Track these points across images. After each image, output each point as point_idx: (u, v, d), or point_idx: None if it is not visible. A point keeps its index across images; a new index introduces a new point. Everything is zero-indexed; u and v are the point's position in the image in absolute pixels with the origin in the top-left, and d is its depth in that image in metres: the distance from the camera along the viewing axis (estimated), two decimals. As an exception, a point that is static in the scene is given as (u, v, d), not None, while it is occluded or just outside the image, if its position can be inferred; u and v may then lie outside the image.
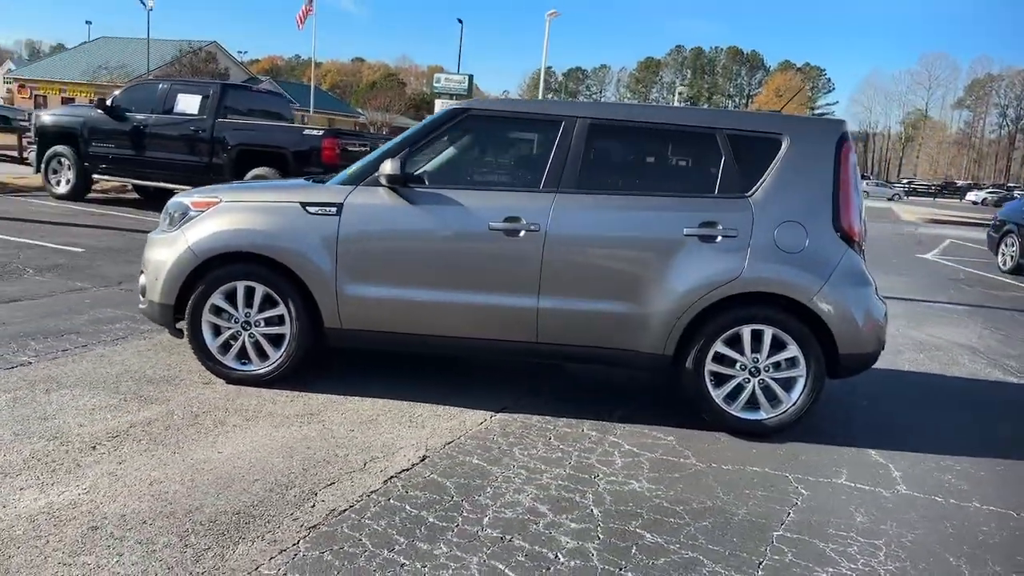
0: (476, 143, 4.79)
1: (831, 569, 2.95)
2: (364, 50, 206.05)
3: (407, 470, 3.54)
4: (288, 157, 11.29)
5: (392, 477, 3.45)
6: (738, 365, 4.29)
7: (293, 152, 11.28)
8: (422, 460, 3.67)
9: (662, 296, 4.23)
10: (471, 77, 49.92)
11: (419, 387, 4.69)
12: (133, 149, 12.16)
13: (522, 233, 4.28)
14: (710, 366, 4.29)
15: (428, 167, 4.54)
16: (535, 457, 3.80)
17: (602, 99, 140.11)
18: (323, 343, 4.54)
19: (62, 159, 12.67)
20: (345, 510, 3.11)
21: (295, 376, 4.55)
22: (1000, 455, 4.32)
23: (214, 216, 4.49)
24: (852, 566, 2.99)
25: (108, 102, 12.48)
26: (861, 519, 3.39)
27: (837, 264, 4.24)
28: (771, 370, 4.28)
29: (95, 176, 12.71)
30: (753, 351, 4.27)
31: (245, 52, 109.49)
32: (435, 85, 48.08)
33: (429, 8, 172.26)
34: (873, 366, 4.49)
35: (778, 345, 4.26)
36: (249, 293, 4.47)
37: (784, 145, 4.35)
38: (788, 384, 4.29)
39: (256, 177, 11.32)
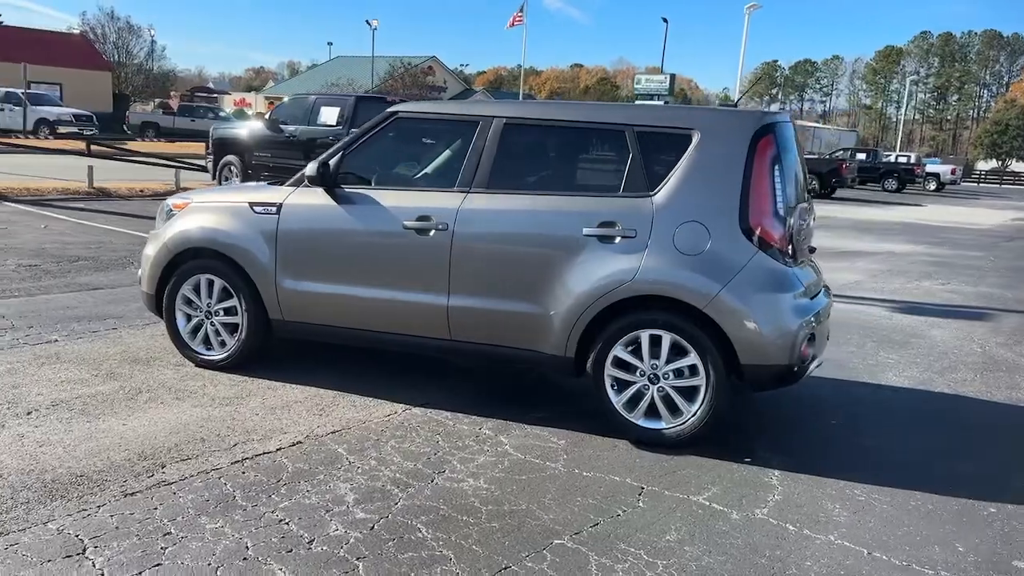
0: (404, 145, 4.95)
1: (578, 583, 2.83)
2: (583, 56, 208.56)
3: (267, 453, 3.80)
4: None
5: (246, 459, 3.73)
6: (638, 371, 4.11)
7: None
8: (293, 445, 3.91)
9: (562, 297, 4.16)
10: (672, 76, 48.97)
11: (362, 378, 4.93)
12: (286, 158, 13.45)
13: (432, 232, 4.40)
14: (611, 371, 4.15)
15: (361, 169, 4.78)
16: (401, 451, 3.91)
17: (833, 93, 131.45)
18: (271, 334, 4.92)
19: (232, 167, 14.30)
20: (172, 483, 3.43)
21: (259, 363, 4.99)
22: (923, 487, 3.78)
23: (185, 216, 5.03)
24: (605, 583, 2.84)
25: (268, 116, 13.92)
26: (671, 537, 3.18)
27: (742, 267, 3.94)
28: (671, 378, 4.06)
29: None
30: (652, 357, 4.07)
31: (467, 64, 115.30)
32: (636, 87, 47.70)
33: (649, 9, 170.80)
34: (802, 381, 4.11)
35: (680, 352, 4.03)
36: (210, 285, 4.96)
37: (693, 141, 4.11)
38: (690, 394, 4.05)
39: None
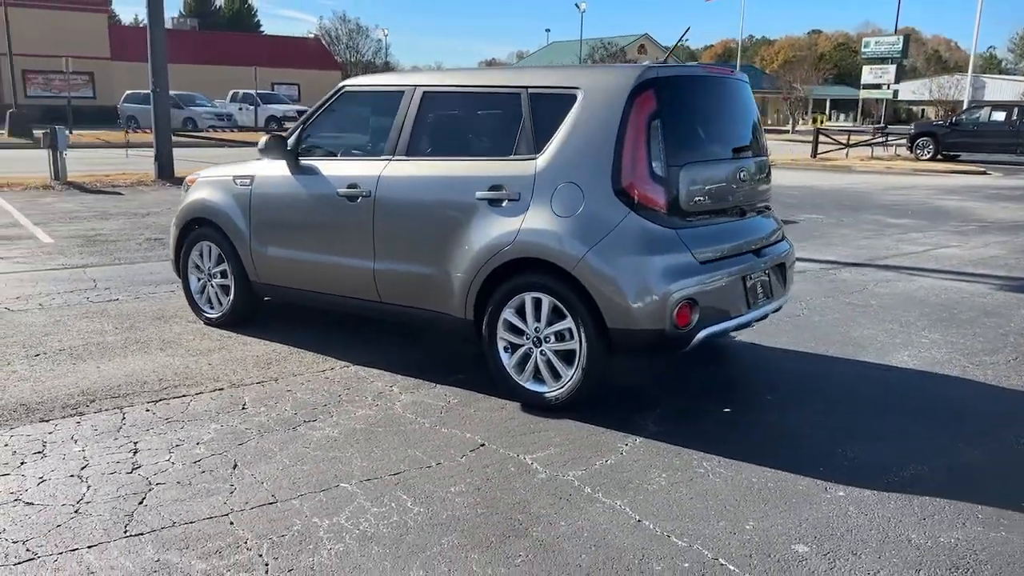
0: (350, 116, 5.19)
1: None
2: (824, 20, 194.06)
3: (182, 397, 4.28)
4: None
5: (160, 400, 4.23)
6: (524, 335, 4.12)
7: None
8: (212, 391, 4.37)
9: (459, 260, 4.27)
10: (907, 37, 44.92)
11: (331, 339, 5.33)
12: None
13: (359, 199, 4.67)
14: (502, 334, 4.20)
15: (317, 140, 5.13)
16: (297, 401, 4.23)
17: None
18: (253, 294, 5.46)
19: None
20: (84, 415, 4.01)
21: (258, 322, 5.59)
22: (787, 466, 3.45)
23: (193, 190, 5.69)
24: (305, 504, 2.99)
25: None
26: (455, 488, 3.23)
27: (612, 229, 3.82)
28: (551, 341, 4.04)
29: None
30: (536, 320, 4.07)
31: (687, 40, 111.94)
32: (864, 50, 44.18)
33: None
34: (691, 349, 3.90)
35: (559, 315, 4.00)
36: (209, 251, 5.59)
37: (576, 101, 4.01)
38: (568, 357, 4.00)
39: None
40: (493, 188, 4.15)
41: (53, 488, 3.20)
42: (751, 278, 4.23)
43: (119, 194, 13.26)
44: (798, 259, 8.32)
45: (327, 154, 5.04)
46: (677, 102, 3.99)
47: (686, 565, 2.70)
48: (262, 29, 70.72)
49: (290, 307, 5.67)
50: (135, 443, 3.66)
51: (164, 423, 3.91)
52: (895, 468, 3.48)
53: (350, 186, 4.69)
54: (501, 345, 4.20)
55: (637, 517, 3.02)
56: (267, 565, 2.68)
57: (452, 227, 4.29)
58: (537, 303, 4.04)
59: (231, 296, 5.49)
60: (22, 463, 3.44)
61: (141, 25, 59.83)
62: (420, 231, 4.45)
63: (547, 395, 4.06)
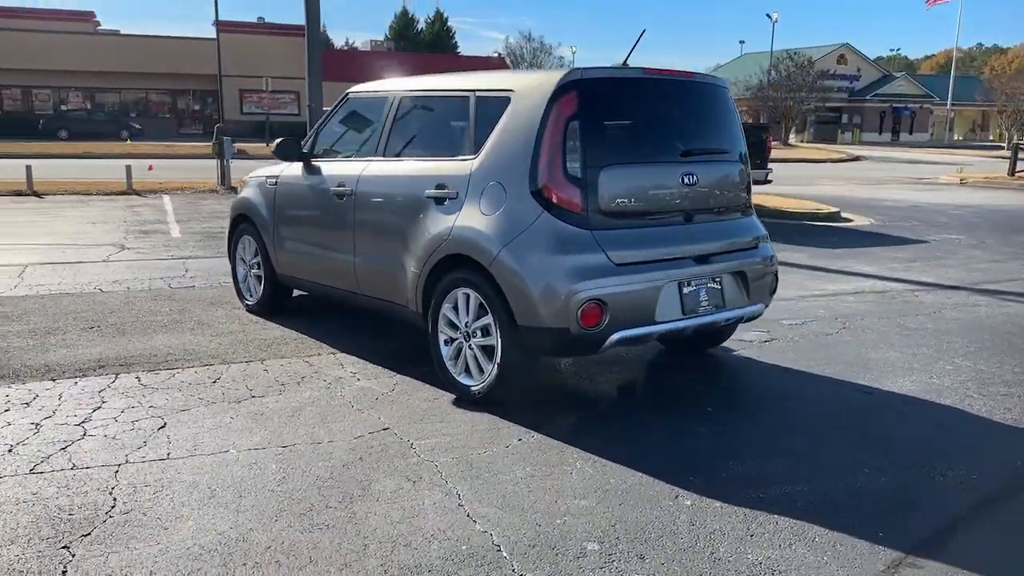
0: (352, 120, 5.52)
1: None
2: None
3: (177, 370, 4.81)
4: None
5: (158, 370, 4.80)
6: (458, 329, 4.28)
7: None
8: (203, 366, 4.88)
9: (412, 255, 4.50)
10: None
11: (343, 331, 5.73)
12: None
13: (344, 198, 5.04)
14: (442, 327, 4.38)
15: (328, 143, 5.54)
16: (262, 381, 4.62)
17: None
18: (279, 284, 5.97)
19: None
20: (95, 377, 4.64)
21: (290, 312, 6.10)
22: (656, 471, 3.35)
23: (243, 189, 6.33)
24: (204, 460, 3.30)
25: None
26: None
27: (526, 228, 3.90)
28: (478, 336, 4.16)
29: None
30: (466, 315, 4.22)
31: (898, 49, 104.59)
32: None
33: None
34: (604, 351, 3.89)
35: (484, 311, 4.12)
36: (248, 244, 6.19)
37: (509, 103, 4.13)
38: (490, 353, 4.11)
39: None
40: (438, 187, 4.34)
41: (10, 431, 3.78)
42: (689, 284, 4.12)
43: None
44: (888, 279, 7.82)
45: (332, 155, 5.44)
46: (601, 104, 3.98)
47: (464, 548, 2.76)
48: (459, 50, 74.08)
49: (322, 299, 6.12)
50: (103, 402, 4.20)
51: (140, 388, 4.43)
52: (768, 486, 3.30)
53: (339, 185, 5.06)
54: (442, 338, 4.37)
55: (463, 502, 3.10)
56: (114, 503, 3.05)
57: (407, 224, 4.52)
58: (467, 298, 4.18)
59: (263, 285, 6.04)
60: (6, 411, 4.06)
61: (348, 48, 64.67)
62: (385, 227, 4.72)
63: (472, 388, 4.19)
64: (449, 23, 75.17)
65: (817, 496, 3.22)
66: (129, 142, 31.73)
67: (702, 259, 4.22)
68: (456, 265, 4.21)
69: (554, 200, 3.87)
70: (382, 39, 65.08)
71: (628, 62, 4.36)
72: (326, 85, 44.17)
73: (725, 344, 5.41)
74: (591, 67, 4.05)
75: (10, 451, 3.55)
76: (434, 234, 4.30)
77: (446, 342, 4.36)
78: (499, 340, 4.00)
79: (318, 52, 15.72)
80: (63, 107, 40.25)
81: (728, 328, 4.98)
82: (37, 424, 3.87)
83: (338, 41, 69.73)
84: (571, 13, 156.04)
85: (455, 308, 4.27)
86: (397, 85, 5.07)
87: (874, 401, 4.44)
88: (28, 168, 14.38)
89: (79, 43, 39.63)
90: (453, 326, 4.30)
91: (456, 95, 4.56)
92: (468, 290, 4.15)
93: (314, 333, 5.64)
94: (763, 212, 13.44)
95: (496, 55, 61.51)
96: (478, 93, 4.35)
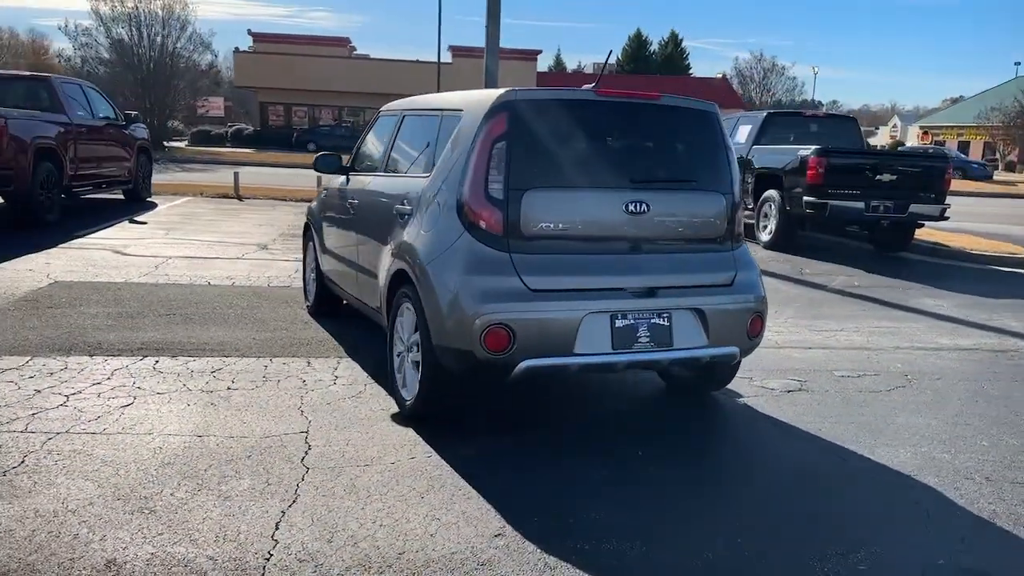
0: (377, 137, 5.71)
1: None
2: None
3: (189, 356, 5.34)
4: (781, 178, 11.54)
5: (170, 357, 5.35)
6: (403, 342, 4.37)
7: (784, 171, 11.48)
8: (214, 358, 5.37)
9: (381, 267, 4.67)
10: None
11: (369, 339, 6.02)
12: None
13: (353, 210, 5.33)
14: (396, 339, 4.48)
15: (359, 156, 5.82)
16: (256, 373, 5.00)
17: None
18: (326, 288, 6.37)
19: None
20: (113, 357, 5.28)
21: (340, 316, 6.48)
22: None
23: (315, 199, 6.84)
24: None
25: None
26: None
27: (449, 246, 3.93)
28: (414, 350, 4.22)
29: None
30: (407, 328, 4.29)
31: (613, 65, 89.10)
32: None
33: None
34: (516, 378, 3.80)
35: (416, 326, 4.18)
36: (309, 250, 6.67)
37: (459, 122, 4.16)
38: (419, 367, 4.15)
39: (766, 200, 11.95)
40: (402, 203, 4.46)
41: (11, 392, 4.40)
42: (625, 318, 3.89)
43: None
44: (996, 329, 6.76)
45: (359, 169, 5.74)
46: (533, 127, 3.88)
47: (237, 555, 2.84)
48: (691, 71, 73.05)
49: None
50: (107, 379, 4.76)
51: (148, 371, 4.96)
52: (608, 540, 3.03)
53: (352, 198, 5.34)
54: (396, 350, 4.47)
55: (286, 513, 3.18)
56: (20, 462, 3.48)
57: (384, 236, 4.68)
58: (408, 312, 4.25)
59: (314, 290, 6.48)
60: (31, 377, 4.73)
61: (558, 71, 66.00)
62: (371, 239, 4.92)
63: (406, 403, 4.25)
64: (684, 44, 74.31)
65: (654, 561, 2.93)
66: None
67: (646, 292, 3.96)
68: (403, 280, 4.30)
69: (474, 221, 3.85)
70: (615, 61, 65.76)
71: (600, 84, 4.20)
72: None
73: (739, 390, 5.00)
74: (531, 89, 3.97)
75: (-5, 410, 4.15)
76: (391, 248, 4.43)
77: (398, 354, 4.45)
78: (421, 356, 4.03)
79: (494, 75, 16.31)
80: (318, 123, 44.95)
81: (722, 368, 4.60)
82: (39, 391, 4.47)
83: (571, 64, 71.57)
84: (821, 34, 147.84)
85: (404, 321, 4.35)
86: (406, 103, 5.26)
87: (845, 472, 3.90)
88: (235, 175, 16.31)
89: (332, 66, 44.03)
90: (401, 339, 4.38)
91: (431, 113, 4.66)
92: (408, 304, 4.22)
93: (344, 338, 5.93)
94: (943, 253, 12.04)
95: (719, 76, 59.86)
96: (444, 112, 4.42)
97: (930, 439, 4.32)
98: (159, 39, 30.58)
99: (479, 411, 4.60)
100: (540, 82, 46.30)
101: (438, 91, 16.59)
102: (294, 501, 3.26)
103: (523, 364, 3.75)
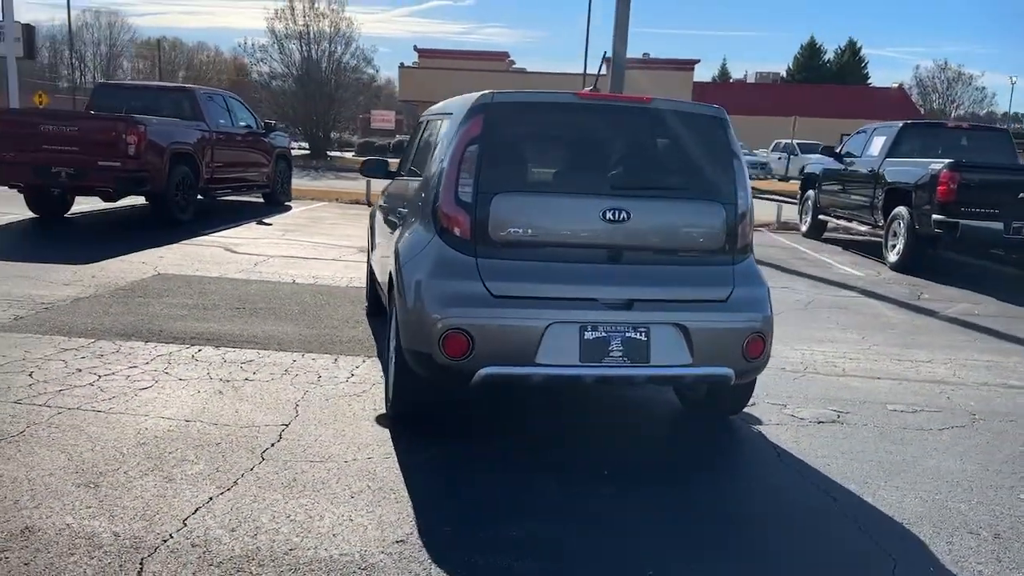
0: (412, 141, 5.73)
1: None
2: None
3: (227, 347, 5.64)
4: (911, 194, 10.68)
5: (213, 347, 5.67)
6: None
7: (914, 187, 10.61)
8: (251, 349, 5.65)
9: (385, 270, 4.74)
10: None
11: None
12: (841, 193, 13.20)
13: (381, 214, 5.47)
14: (391, 339, 4.53)
15: (401, 162, 5.93)
16: (277, 365, 5.22)
17: None
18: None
19: (808, 202, 14.56)
20: (163, 344, 5.68)
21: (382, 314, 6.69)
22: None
23: (376, 204, 7.06)
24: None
25: (838, 149, 13.75)
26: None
27: (421, 249, 3.95)
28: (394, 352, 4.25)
29: (824, 218, 14.07)
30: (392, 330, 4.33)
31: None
32: None
33: None
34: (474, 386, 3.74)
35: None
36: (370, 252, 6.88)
37: (446, 125, 4.16)
38: (397, 370, 4.17)
39: (894, 218, 11.13)
40: (403, 205, 4.52)
41: (56, 368, 4.83)
42: (595, 330, 3.72)
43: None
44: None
45: (398, 173, 5.84)
46: (507, 130, 3.80)
47: (93, 540, 2.97)
48: (870, 80, 68.92)
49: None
50: (145, 364, 5.12)
51: (186, 358, 5.29)
52: (524, 560, 2.91)
53: (382, 202, 5.47)
54: (389, 351, 4.52)
55: (205, 505, 3.29)
56: (21, 431, 3.81)
57: (390, 239, 4.75)
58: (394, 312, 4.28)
59: (367, 289, 6.68)
60: (83, 357, 5.18)
61: (722, 81, 64.04)
62: (386, 241, 4.99)
63: (388, 403, 4.28)
64: (862, 52, 70.31)
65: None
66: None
67: (622, 305, 3.77)
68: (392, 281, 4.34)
69: (445, 224, 3.82)
70: (783, 72, 63.30)
71: (597, 87, 4.07)
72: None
73: (762, 416, 4.67)
74: (511, 91, 3.89)
75: (31, 379, 4.57)
76: (390, 250, 4.48)
77: (389, 355, 4.48)
78: (393, 358, 4.05)
79: (620, 84, 16.11)
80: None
81: (726, 390, 4.30)
82: (79, 370, 4.88)
83: (737, 73, 69.45)
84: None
85: (392, 323, 4.39)
86: (432, 108, 5.30)
87: (824, 509, 3.52)
88: (368, 182, 17.03)
89: (489, 79, 45.09)
90: (390, 341, 4.42)
91: (437, 117, 4.68)
92: (395, 305, 4.25)
93: (381, 338, 6.06)
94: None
95: (895, 86, 55.88)
96: (443, 115, 4.42)
97: (954, 486, 3.83)
98: (325, 55, 32.58)
99: (467, 415, 4.56)
100: (696, 92, 45.26)
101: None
102: (228, 489, 3.36)
103: (482, 371, 3.67)
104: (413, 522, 3.15)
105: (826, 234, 14.44)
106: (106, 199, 11.71)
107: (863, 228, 12.41)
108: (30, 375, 4.70)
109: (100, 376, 4.77)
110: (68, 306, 6.47)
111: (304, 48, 32.33)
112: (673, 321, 3.79)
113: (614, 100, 3.97)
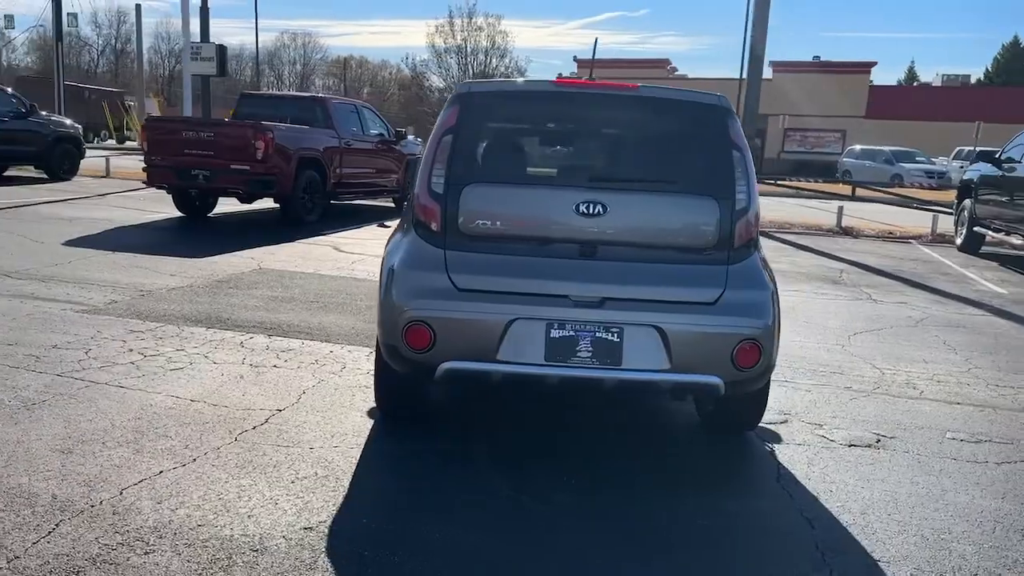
0: None
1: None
2: None
3: (272, 335, 5.89)
4: None
5: (265, 334, 5.93)
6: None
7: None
8: (293, 338, 5.86)
9: None
10: None
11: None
12: (1000, 202, 11.93)
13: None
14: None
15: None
16: (305, 356, 5.39)
17: None
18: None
19: (964, 211, 13.23)
20: (215, 330, 6.01)
21: None
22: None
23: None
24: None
25: (997, 154, 12.41)
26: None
27: (401, 241, 3.96)
28: (386, 345, 4.25)
29: (980, 230, 12.71)
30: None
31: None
32: None
33: None
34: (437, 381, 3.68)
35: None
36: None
37: None
38: (385, 363, 4.17)
39: None
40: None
41: (116, 347, 5.23)
42: (562, 328, 3.54)
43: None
44: None
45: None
46: (482, 120, 3.70)
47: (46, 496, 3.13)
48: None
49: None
50: (194, 348, 5.43)
51: (233, 344, 5.56)
52: (432, 563, 2.81)
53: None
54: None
55: (155, 477, 3.42)
56: (43, 400, 4.16)
57: None
58: (390, 307, 4.28)
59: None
60: (141, 339, 5.59)
61: (903, 85, 59.24)
62: None
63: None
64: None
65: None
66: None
67: (594, 303, 3.56)
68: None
69: (419, 215, 3.78)
70: (980, 75, 58.12)
71: (593, 75, 3.89)
72: (872, 123, 42.52)
73: (786, 434, 4.28)
74: (489, 81, 3.79)
75: (84, 355, 4.97)
76: None
77: (388, 349, 4.49)
78: (375, 353, 4.05)
79: (756, 88, 15.42)
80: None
81: (745, 405, 3.99)
82: (131, 349, 5.25)
83: (926, 76, 64.29)
84: None
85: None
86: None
87: (792, 537, 3.14)
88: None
89: (649, 86, 44.47)
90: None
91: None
92: (380, 299, 4.25)
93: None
94: None
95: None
96: (458, 104, 4.38)
97: (974, 526, 3.30)
98: (480, 67, 33.49)
99: (462, 413, 4.48)
100: (871, 96, 42.37)
101: (739, 109, 15.95)
102: (183, 465, 3.48)
103: (444, 366, 3.59)
104: (335, 511, 3.12)
105: (985, 248, 13.02)
106: (242, 200, 12.62)
107: (1017, 242, 11.10)
108: (86, 352, 5.11)
109: (145, 356, 5.11)
110: (162, 294, 6.99)
111: (462, 61, 33.40)
112: (649, 322, 3.53)
113: (596, 88, 3.75)
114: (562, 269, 3.62)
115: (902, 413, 4.79)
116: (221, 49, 23.55)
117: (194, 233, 11.46)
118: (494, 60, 32.74)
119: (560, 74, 47.83)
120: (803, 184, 21.36)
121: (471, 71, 33.57)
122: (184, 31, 20.69)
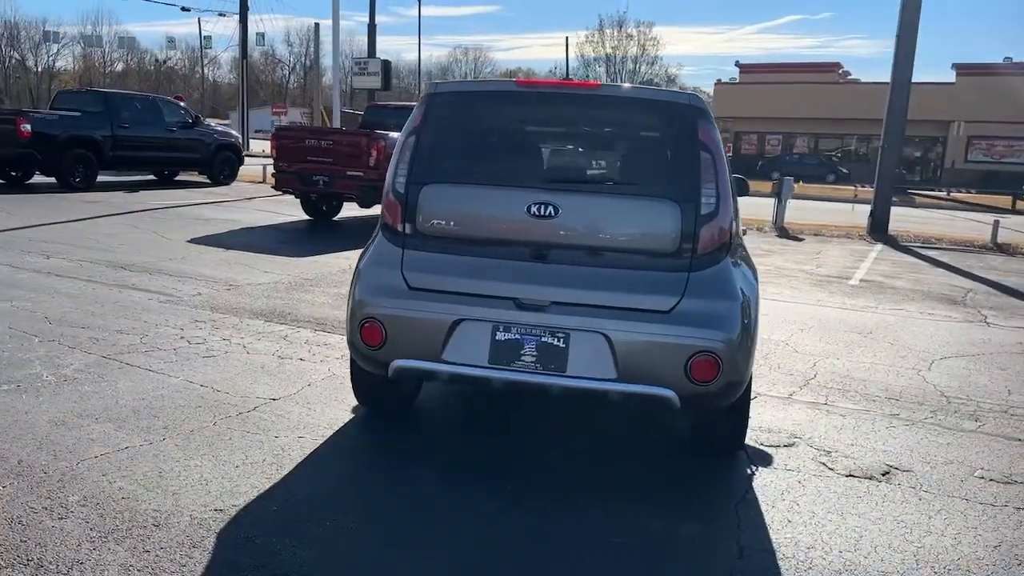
0: None
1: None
2: None
3: (317, 331, 6.15)
4: None
5: (311, 330, 6.20)
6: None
7: None
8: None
9: None
10: None
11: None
12: None
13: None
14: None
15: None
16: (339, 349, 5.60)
17: None
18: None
19: None
20: (260, 322, 6.35)
21: None
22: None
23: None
24: None
25: None
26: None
27: (373, 240, 4.01)
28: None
29: None
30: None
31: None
32: None
33: None
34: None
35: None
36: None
37: None
38: (364, 359, 4.26)
39: None
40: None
41: (170, 334, 5.68)
42: (508, 331, 3.48)
43: (802, 240, 14.06)
44: None
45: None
46: (444, 120, 3.69)
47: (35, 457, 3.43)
48: None
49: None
50: (238, 336, 5.79)
51: (276, 336, 5.87)
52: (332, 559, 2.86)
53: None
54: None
55: (127, 446, 3.67)
56: (63, 380, 4.60)
57: None
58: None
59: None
60: (200, 328, 6.01)
61: None
62: None
63: (363, 393, 4.39)
64: None
65: None
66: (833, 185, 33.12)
67: (541, 306, 3.47)
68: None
69: (386, 214, 3.84)
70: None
71: (570, 75, 3.81)
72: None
73: (782, 458, 3.97)
74: (455, 82, 3.78)
75: (138, 341, 5.43)
76: None
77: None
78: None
79: (902, 99, 14.32)
80: (790, 151, 43.85)
81: (722, 425, 3.77)
82: (183, 337, 5.66)
83: None
84: None
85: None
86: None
87: (724, 570, 2.90)
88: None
89: (813, 92, 42.27)
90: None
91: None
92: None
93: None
94: None
95: None
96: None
97: (940, 573, 2.91)
98: (628, 75, 33.19)
99: (454, 413, 4.48)
100: None
101: (886, 115, 14.54)
102: (150, 443, 3.72)
103: (394, 363, 3.62)
104: (255, 496, 3.23)
105: None
106: (361, 205, 13.22)
107: None
108: (142, 338, 5.57)
109: (189, 343, 5.50)
110: (246, 289, 7.47)
111: (611, 69, 33.26)
112: (596, 329, 3.40)
113: (556, 87, 3.64)
114: (511, 271, 3.56)
115: (939, 446, 4.31)
116: (386, 64, 24.86)
117: (311, 235, 12.14)
118: (643, 67, 32.39)
119: (719, 80, 46.48)
120: (939, 196, 19.65)
121: (619, 79, 33.35)
122: (334, 47, 22.06)
